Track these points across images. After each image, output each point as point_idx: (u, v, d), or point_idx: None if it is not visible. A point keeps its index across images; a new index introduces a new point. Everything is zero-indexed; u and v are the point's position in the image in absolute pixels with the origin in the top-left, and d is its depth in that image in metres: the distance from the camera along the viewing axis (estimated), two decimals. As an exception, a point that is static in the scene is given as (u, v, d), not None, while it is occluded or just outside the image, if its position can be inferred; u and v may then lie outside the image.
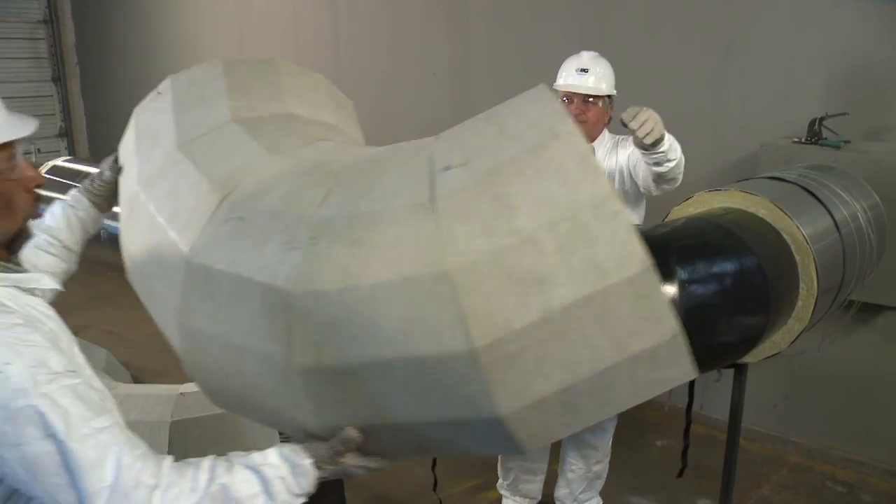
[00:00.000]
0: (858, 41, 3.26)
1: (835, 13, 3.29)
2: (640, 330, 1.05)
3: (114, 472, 1.06)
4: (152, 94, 1.78)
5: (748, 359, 2.35)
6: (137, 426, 1.83)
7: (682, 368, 1.12)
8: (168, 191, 1.43)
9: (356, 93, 5.55)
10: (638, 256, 1.03)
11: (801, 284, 2.19)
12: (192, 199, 1.37)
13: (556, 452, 3.01)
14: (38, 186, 1.27)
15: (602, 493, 3.08)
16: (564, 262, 1.03)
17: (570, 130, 1.08)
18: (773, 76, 3.52)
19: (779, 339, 2.29)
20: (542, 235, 1.03)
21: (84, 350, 2.48)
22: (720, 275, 1.92)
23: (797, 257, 2.18)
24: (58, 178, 3.90)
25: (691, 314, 1.79)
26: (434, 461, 2.59)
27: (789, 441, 3.72)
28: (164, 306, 1.39)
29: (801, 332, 2.28)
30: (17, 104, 7.79)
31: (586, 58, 2.70)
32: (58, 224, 1.57)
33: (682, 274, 1.83)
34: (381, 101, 5.25)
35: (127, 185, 1.63)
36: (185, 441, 1.83)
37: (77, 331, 5.19)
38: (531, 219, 1.04)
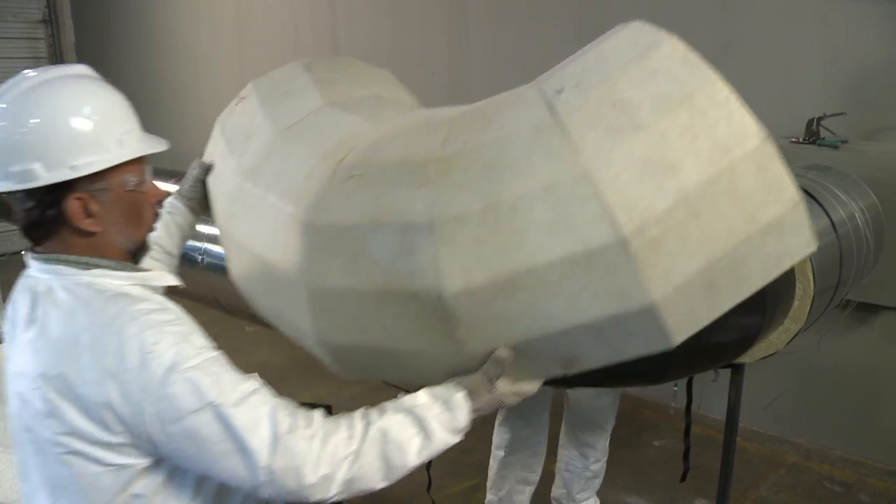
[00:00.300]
0: (857, 40, 3.26)
1: (833, 12, 3.29)
2: (766, 200, 1.13)
3: (272, 429, 1.11)
4: (234, 101, 1.83)
5: (744, 359, 2.34)
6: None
7: (805, 238, 1.19)
8: (277, 170, 1.46)
9: (355, 93, 5.55)
10: (754, 131, 1.13)
11: (798, 285, 2.19)
12: (305, 170, 1.40)
13: (551, 454, 3.01)
14: (160, 202, 1.35)
15: (599, 493, 3.08)
16: (689, 146, 1.11)
17: (669, 37, 1.21)
18: (771, 76, 3.52)
19: (775, 340, 2.29)
20: (666, 125, 1.12)
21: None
22: (716, 275, 1.92)
23: (794, 257, 2.17)
24: (56, 178, 3.90)
25: (687, 314, 1.80)
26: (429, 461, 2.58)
27: (787, 441, 3.72)
28: (286, 287, 1.38)
29: (798, 333, 2.28)
30: (17, 104, 7.82)
31: None
32: (158, 231, 1.60)
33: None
34: (379, 101, 5.25)
35: (224, 184, 1.65)
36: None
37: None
38: (652, 114, 1.13)
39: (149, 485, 1.17)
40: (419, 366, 1.33)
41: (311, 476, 1.13)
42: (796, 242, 1.17)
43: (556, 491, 3.01)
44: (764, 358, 2.36)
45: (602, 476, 3.00)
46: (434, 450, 1.24)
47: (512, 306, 1.17)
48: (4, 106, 1.16)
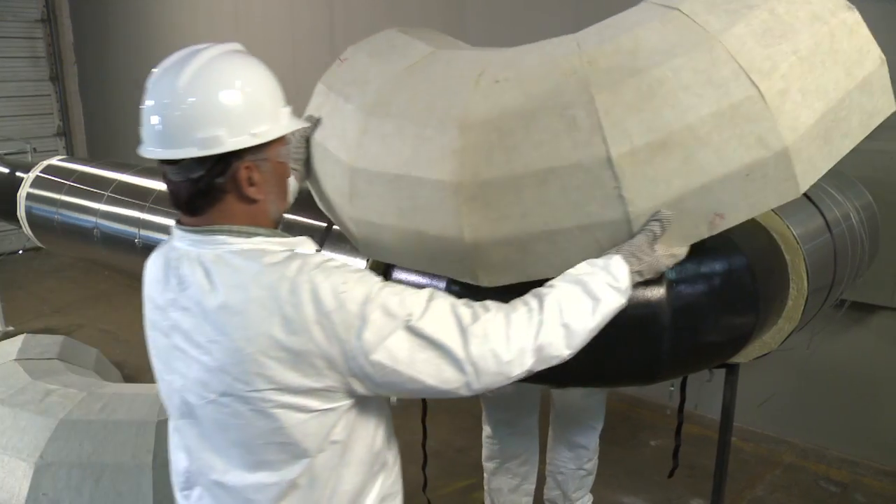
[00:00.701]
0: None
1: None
2: (859, 60, 1.40)
3: (458, 324, 1.20)
4: (336, 63, 1.92)
5: (738, 359, 2.34)
6: (122, 426, 1.83)
7: (889, 97, 1.45)
8: (409, 97, 1.53)
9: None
10: (842, 4, 1.42)
11: (791, 284, 2.18)
12: (441, 88, 1.50)
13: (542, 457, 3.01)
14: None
15: (594, 493, 3.07)
16: (795, 17, 1.35)
17: None
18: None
19: (769, 339, 2.28)
20: (772, 4, 1.36)
21: (74, 349, 2.49)
22: (708, 274, 1.91)
23: (787, 257, 2.17)
24: (52, 178, 3.91)
25: (679, 314, 1.79)
26: (424, 461, 2.59)
27: (783, 441, 3.72)
28: (432, 200, 1.44)
29: (792, 333, 2.28)
30: (15, 103, 7.82)
31: None
32: None
33: (671, 273, 1.82)
34: (377, 100, 5.25)
35: (342, 129, 1.69)
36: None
37: (73, 329, 5.26)
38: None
39: (343, 430, 1.24)
40: (577, 244, 1.40)
41: (506, 353, 1.21)
42: (883, 101, 1.43)
43: (550, 493, 3.00)
44: (758, 358, 2.36)
45: (595, 472, 3.00)
46: (606, 311, 1.31)
47: (669, 162, 1.31)
48: (189, 77, 1.21)
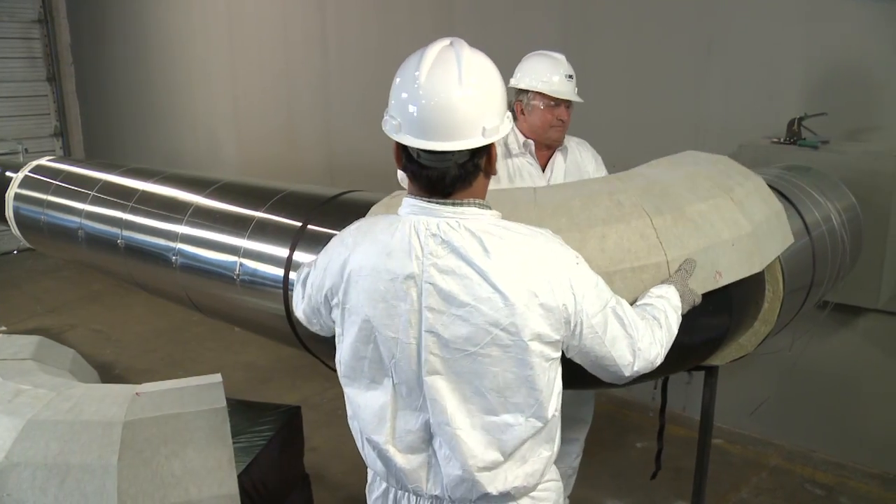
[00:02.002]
0: (840, 41, 3.24)
1: (816, 12, 3.27)
2: (770, 200, 2.17)
3: (635, 321, 1.49)
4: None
5: (715, 361, 2.33)
6: (90, 426, 1.83)
7: (789, 233, 2.17)
8: None
9: (344, 93, 5.58)
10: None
11: (767, 287, 2.17)
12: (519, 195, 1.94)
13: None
14: None
15: (578, 496, 3.06)
16: (738, 176, 2.13)
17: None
18: (754, 75, 3.50)
19: (745, 342, 2.27)
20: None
21: (49, 349, 2.49)
22: (680, 276, 1.91)
23: (762, 259, 2.16)
24: (41, 178, 3.91)
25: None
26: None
27: (770, 443, 3.70)
28: None
29: (769, 335, 2.26)
30: (12, 104, 7.84)
31: (566, 63, 2.65)
32: None
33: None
34: (368, 101, 5.25)
35: None
36: (137, 441, 1.82)
37: (65, 329, 5.22)
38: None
39: (559, 383, 1.46)
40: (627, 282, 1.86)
41: (656, 348, 1.52)
42: (787, 233, 2.19)
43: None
44: (735, 360, 2.35)
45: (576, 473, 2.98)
46: (678, 321, 1.65)
47: (686, 229, 1.83)
48: (465, 76, 1.34)
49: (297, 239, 2.25)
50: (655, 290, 1.68)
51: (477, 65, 1.36)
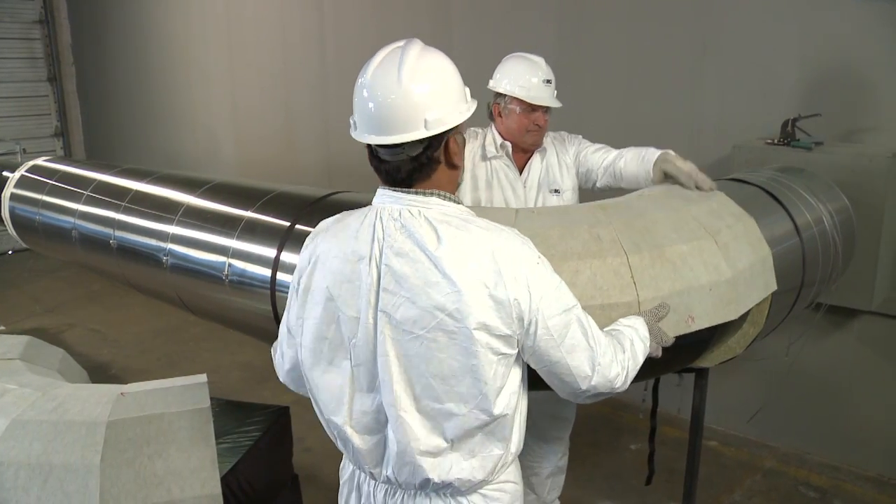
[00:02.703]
0: (835, 41, 3.23)
1: (811, 13, 3.26)
2: (760, 245, 2.12)
3: (595, 333, 1.50)
4: None
5: (704, 363, 2.32)
6: (73, 426, 1.83)
7: (772, 277, 2.14)
8: None
9: (342, 94, 5.57)
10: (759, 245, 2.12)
11: (756, 288, 2.16)
12: (500, 217, 1.86)
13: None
14: None
15: (571, 498, 3.05)
16: (727, 215, 2.09)
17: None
18: (750, 76, 3.49)
19: (733, 344, 2.26)
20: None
21: (38, 349, 2.49)
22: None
23: (749, 261, 2.16)
24: (37, 178, 3.92)
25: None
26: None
27: (766, 446, 3.69)
28: None
29: (757, 337, 2.25)
30: (12, 104, 7.86)
31: (545, 67, 2.57)
32: None
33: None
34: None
35: None
36: (120, 441, 1.82)
37: (63, 329, 5.22)
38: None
39: (516, 384, 1.48)
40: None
41: (616, 368, 1.52)
42: (771, 278, 2.14)
43: (526, 497, 2.99)
44: (724, 362, 2.34)
45: (565, 471, 2.97)
46: (645, 352, 1.66)
47: (664, 270, 1.82)
48: (409, 71, 1.40)
49: (284, 239, 2.25)
50: (624, 321, 1.70)
51: (422, 61, 1.41)
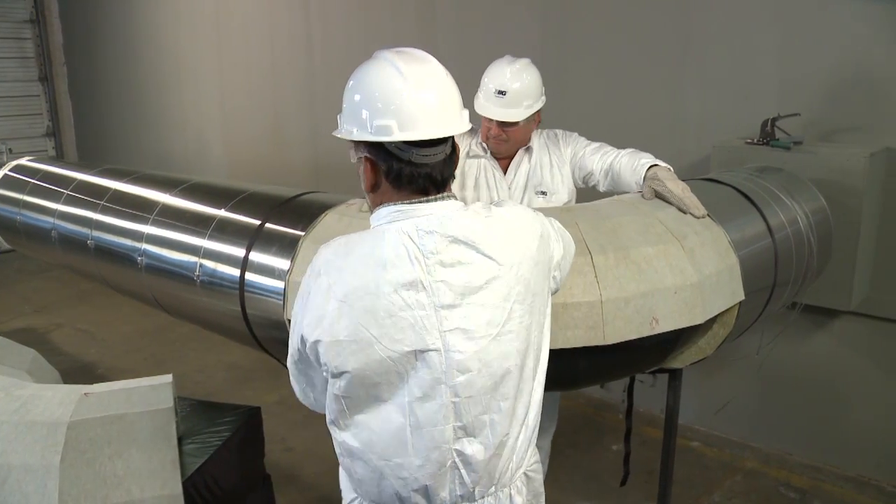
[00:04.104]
0: (815, 41, 3.22)
1: (791, 13, 3.25)
2: (728, 253, 2.10)
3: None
4: None
5: (675, 364, 2.31)
6: (34, 427, 1.82)
7: (740, 286, 2.12)
8: None
9: (329, 92, 5.57)
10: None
11: (725, 289, 2.15)
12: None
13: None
14: None
15: (549, 498, 3.03)
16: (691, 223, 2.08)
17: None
18: (732, 75, 3.48)
19: (704, 344, 2.25)
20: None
21: (7, 349, 2.48)
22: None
23: (719, 263, 2.15)
24: (19, 177, 3.91)
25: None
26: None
27: (748, 446, 3.68)
28: None
29: (727, 338, 2.25)
30: (3, 104, 7.85)
31: (508, 74, 2.45)
32: None
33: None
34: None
35: None
36: (81, 441, 1.81)
37: (51, 329, 5.21)
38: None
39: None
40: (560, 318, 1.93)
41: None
42: (738, 287, 2.13)
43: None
44: (695, 363, 2.33)
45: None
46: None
47: (629, 271, 1.84)
48: (435, 62, 1.41)
49: (253, 238, 2.25)
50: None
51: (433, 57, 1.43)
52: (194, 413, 2.40)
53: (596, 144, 2.59)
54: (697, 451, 3.68)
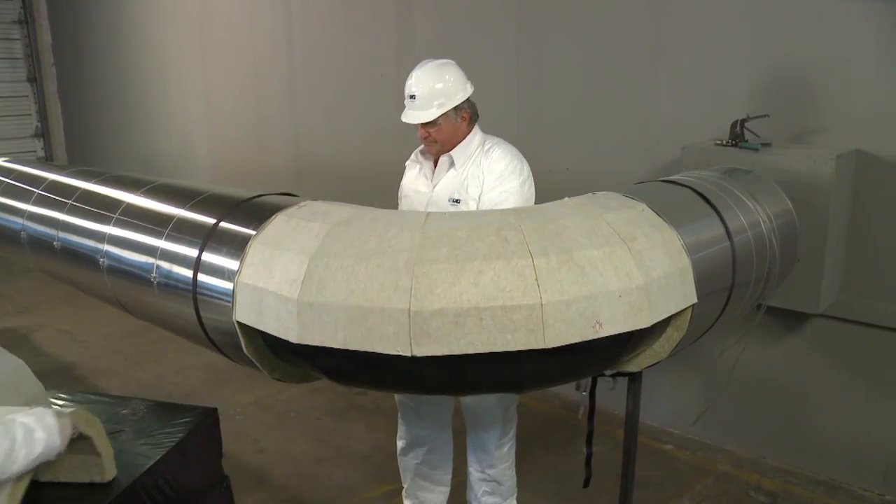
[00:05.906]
0: (785, 42, 3.21)
1: (761, 14, 3.24)
2: (679, 256, 2.07)
3: None
4: None
5: (631, 367, 2.30)
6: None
7: (692, 289, 2.09)
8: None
9: (309, 93, 5.56)
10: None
11: (678, 292, 2.14)
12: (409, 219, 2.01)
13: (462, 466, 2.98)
14: None
15: (519, 500, 3.04)
16: (643, 226, 2.04)
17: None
18: (703, 77, 3.48)
19: (658, 348, 2.24)
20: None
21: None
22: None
23: (669, 266, 2.14)
24: (-5, 178, 3.90)
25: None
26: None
27: (721, 449, 3.67)
28: None
29: (682, 341, 2.23)
30: (-7, 104, 7.84)
31: (413, 78, 2.51)
32: None
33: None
34: (332, 100, 5.26)
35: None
36: None
37: (33, 329, 5.20)
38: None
39: None
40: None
41: None
42: (690, 290, 2.10)
43: (468, 494, 2.99)
44: (650, 366, 2.31)
45: (509, 483, 2.96)
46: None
47: (572, 274, 1.80)
48: None
49: (207, 239, 2.23)
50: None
51: None
52: (149, 413, 2.39)
53: (506, 188, 2.53)
54: (670, 454, 3.67)
